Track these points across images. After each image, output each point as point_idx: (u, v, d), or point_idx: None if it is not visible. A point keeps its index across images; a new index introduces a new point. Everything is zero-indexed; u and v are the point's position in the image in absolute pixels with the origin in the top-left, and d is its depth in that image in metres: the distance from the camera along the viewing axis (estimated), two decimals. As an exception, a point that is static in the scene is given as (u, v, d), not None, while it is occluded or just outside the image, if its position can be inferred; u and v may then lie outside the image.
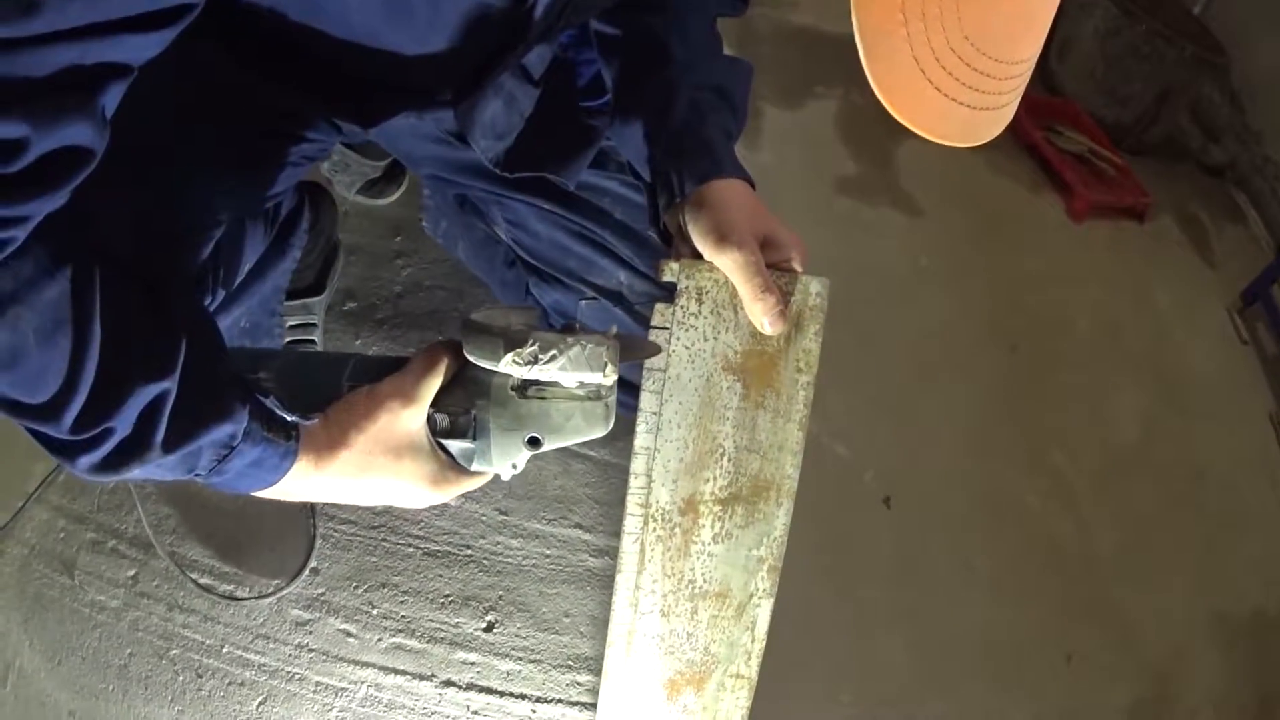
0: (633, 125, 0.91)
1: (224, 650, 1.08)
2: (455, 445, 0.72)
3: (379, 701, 1.09)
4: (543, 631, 1.17)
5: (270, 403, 0.64)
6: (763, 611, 0.83)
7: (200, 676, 1.07)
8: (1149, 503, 1.71)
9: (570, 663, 1.16)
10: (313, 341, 1.19)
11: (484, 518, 1.24)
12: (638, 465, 0.78)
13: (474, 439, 0.72)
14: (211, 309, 0.83)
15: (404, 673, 1.11)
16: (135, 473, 0.60)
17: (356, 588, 1.15)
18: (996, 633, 1.38)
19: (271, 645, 1.10)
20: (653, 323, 0.77)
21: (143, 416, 0.57)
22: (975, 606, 1.40)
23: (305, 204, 1.02)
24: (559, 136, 1.00)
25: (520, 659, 1.15)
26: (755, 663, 0.85)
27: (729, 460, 0.79)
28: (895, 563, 1.39)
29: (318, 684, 1.09)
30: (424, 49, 0.75)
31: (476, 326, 0.68)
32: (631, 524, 0.80)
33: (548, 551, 1.23)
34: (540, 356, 0.67)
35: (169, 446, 0.59)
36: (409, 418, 0.69)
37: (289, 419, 0.65)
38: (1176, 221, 2.34)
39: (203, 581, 1.11)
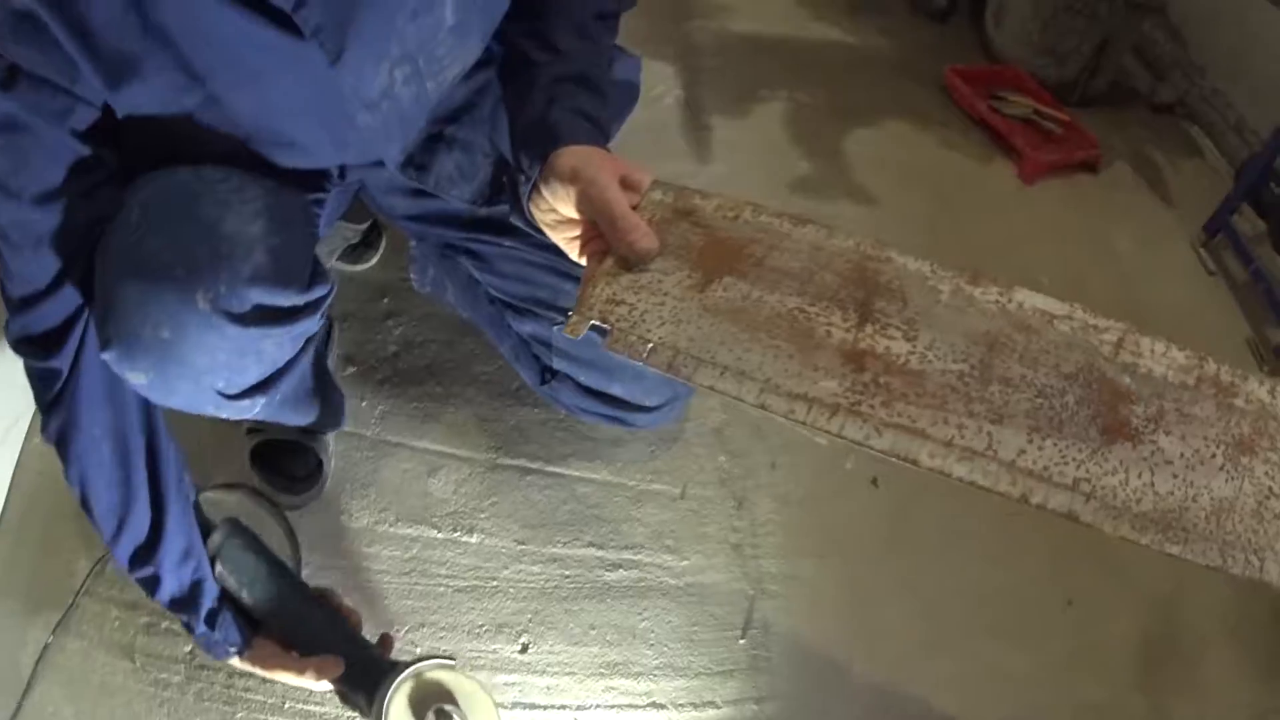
0: (503, 130, 0.93)
1: (286, 706, 1.15)
2: None
3: (432, 733, 1.17)
4: (573, 645, 1.25)
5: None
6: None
7: (266, 735, 1.15)
8: (1135, 441, 1.75)
9: (603, 670, 1.23)
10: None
11: (504, 550, 1.31)
12: (775, 405, 0.64)
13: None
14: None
15: (452, 704, 1.20)
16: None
17: (398, 631, 1.22)
18: (995, 587, 1.40)
19: (330, 696, 1.18)
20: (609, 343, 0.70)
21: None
22: (970, 566, 1.42)
23: None
24: None
25: (556, 674, 1.22)
26: None
27: (821, 313, 0.69)
28: (888, 537, 1.43)
29: (375, 726, 1.17)
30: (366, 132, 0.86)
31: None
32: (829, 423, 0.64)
33: (567, 572, 1.31)
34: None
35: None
36: None
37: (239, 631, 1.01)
38: (1131, 166, 2.36)
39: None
